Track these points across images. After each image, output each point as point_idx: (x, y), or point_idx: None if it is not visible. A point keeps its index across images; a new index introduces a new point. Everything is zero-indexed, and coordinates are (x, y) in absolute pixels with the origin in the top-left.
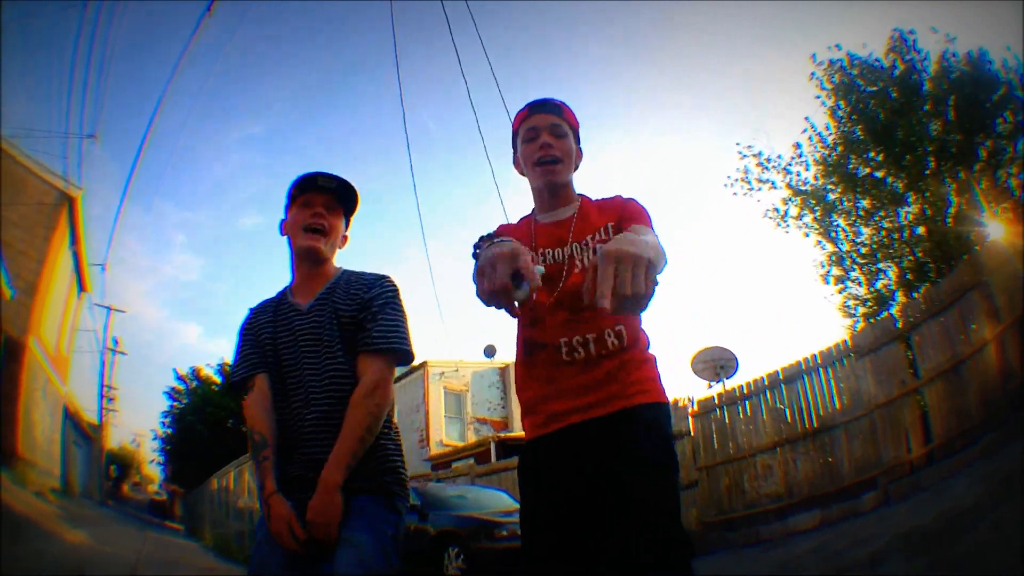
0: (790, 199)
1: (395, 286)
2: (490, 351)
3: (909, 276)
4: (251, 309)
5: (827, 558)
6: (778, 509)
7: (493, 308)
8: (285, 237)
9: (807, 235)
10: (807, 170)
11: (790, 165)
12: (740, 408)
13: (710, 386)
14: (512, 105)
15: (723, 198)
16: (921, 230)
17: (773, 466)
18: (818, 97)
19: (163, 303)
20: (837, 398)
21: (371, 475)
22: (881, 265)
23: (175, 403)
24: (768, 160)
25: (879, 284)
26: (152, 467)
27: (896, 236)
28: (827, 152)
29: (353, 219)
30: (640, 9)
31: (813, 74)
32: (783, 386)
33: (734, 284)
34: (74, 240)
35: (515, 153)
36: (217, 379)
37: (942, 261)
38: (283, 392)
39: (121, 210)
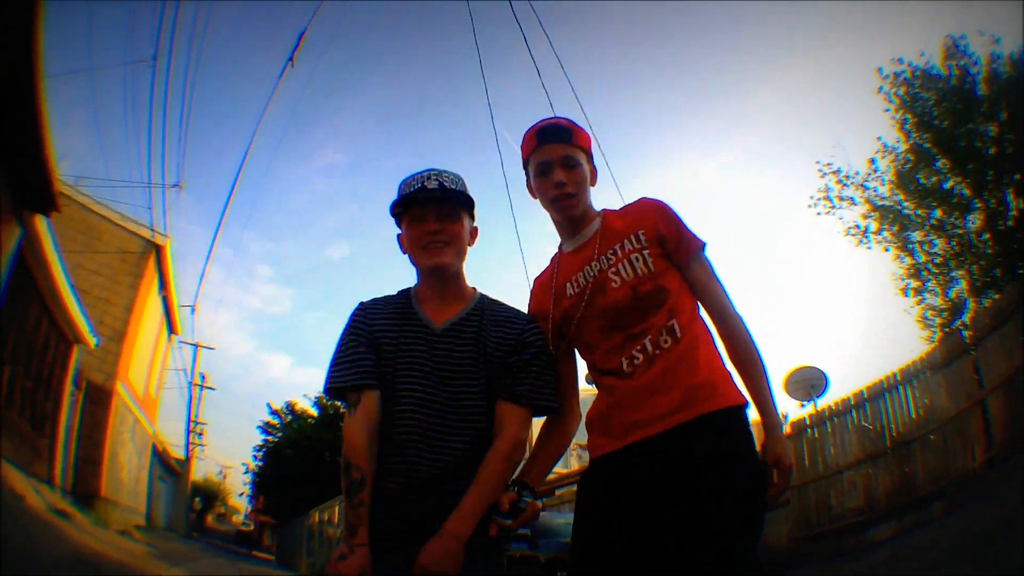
0: (869, 214)
1: (543, 331)
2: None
3: (978, 284)
4: (363, 303)
5: (892, 567)
6: (859, 522)
7: None
8: (407, 255)
9: (887, 249)
10: (883, 185)
11: (867, 181)
12: (829, 426)
13: (801, 405)
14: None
15: (803, 217)
16: (987, 236)
17: (857, 481)
18: (887, 111)
19: (251, 336)
20: (914, 413)
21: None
22: (954, 274)
23: (268, 437)
24: (847, 177)
25: (952, 293)
26: (239, 499)
27: (966, 244)
28: (899, 165)
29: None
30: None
31: (881, 88)
32: (867, 404)
33: (817, 301)
34: (163, 285)
35: (528, 179)
36: (313, 412)
37: (1009, 267)
38: (388, 419)
39: (210, 257)
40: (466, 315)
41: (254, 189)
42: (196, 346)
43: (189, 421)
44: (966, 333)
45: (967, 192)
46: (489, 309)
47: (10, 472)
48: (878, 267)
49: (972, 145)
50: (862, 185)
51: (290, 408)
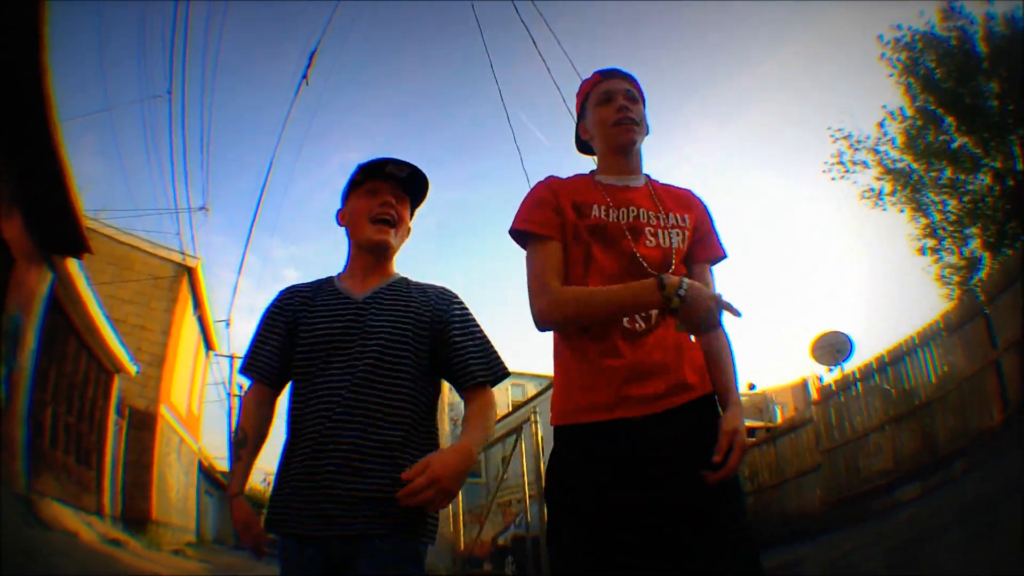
0: (882, 177)
1: (463, 302)
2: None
3: (991, 240)
4: (283, 290)
5: (915, 526)
6: (887, 484)
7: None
8: (343, 228)
9: (901, 211)
10: (893, 148)
11: (877, 145)
12: (854, 391)
13: (829, 370)
14: None
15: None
16: (997, 192)
17: (882, 443)
18: (890, 76)
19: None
20: (934, 374)
21: (405, 521)
22: (968, 232)
23: None
24: (858, 141)
25: (967, 251)
26: None
27: (977, 202)
28: (908, 127)
29: (418, 211)
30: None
31: (883, 54)
32: (888, 368)
33: (837, 265)
34: (197, 305)
35: (581, 120)
36: None
37: (1021, 222)
38: (307, 394)
39: (241, 272)
40: (388, 285)
41: (277, 197)
42: (232, 357)
43: (230, 433)
44: (979, 292)
45: (975, 150)
46: (413, 285)
47: (60, 510)
48: (895, 229)
49: (976, 103)
50: (873, 149)
51: None
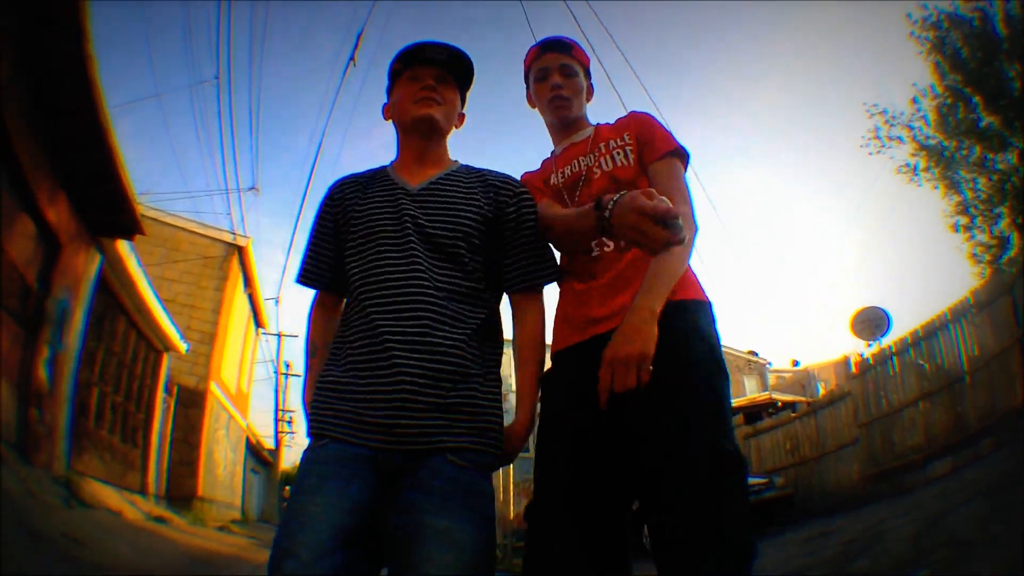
0: (916, 153)
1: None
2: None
3: (1019, 220)
4: (337, 180)
5: (943, 501)
6: (920, 459)
7: None
8: (390, 122)
9: (935, 187)
10: (927, 125)
11: (911, 121)
12: (890, 365)
13: (868, 345)
14: None
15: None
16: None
17: (916, 419)
18: (919, 53)
19: None
20: (964, 351)
21: (472, 430)
22: (998, 210)
23: None
24: (893, 117)
25: (998, 229)
26: None
27: (1004, 180)
28: (939, 104)
29: (469, 95)
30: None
31: (912, 32)
32: (922, 343)
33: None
34: (247, 284)
35: (527, 89)
36: None
37: None
38: (362, 289)
39: (290, 252)
40: (447, 174)
41: (325, 175)
42: (280, 336)
43: (277, 410)
44: (1005, 271)
45: (1001, 129)
46: (476, 172)
47: (102, 490)
48: (929, 205)
49: (1000, 83)
50: (907, 125)
51: None
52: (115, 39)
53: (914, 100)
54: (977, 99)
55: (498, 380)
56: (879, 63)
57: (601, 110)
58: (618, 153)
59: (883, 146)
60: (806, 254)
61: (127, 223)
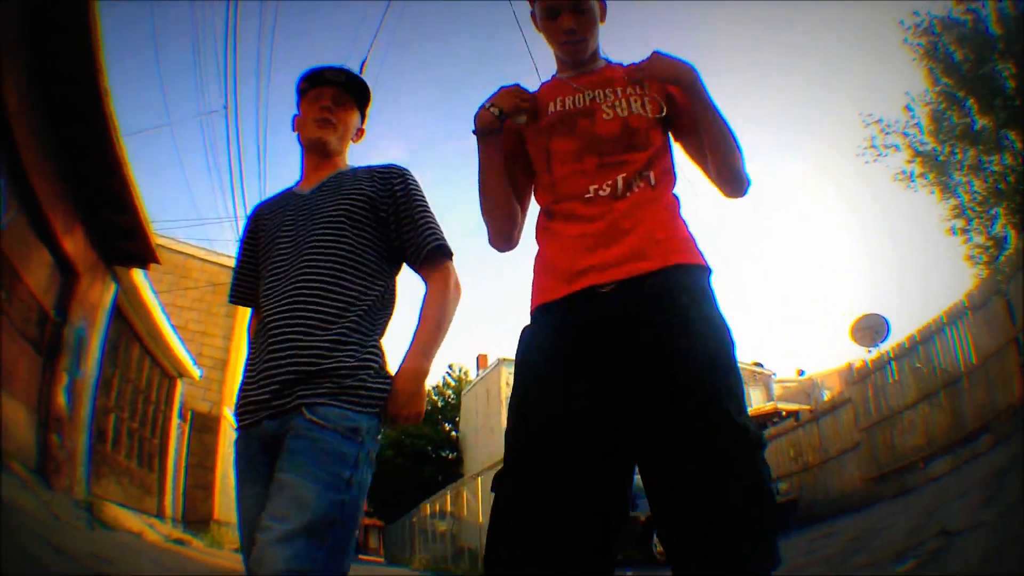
0: (912, 160)
1: (414, 177)
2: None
3: (1015, 220)
4: (255, 206)
5: (940, 497)
6: (921, 459)
7: (486, 131)
8: (296, 135)
9: (931, 192)
10: (920, 132)
11: (906, 129)
12: (888, 371)
13: (868, 351)
14: None
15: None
16: (1019, 170)
17: (916, 420)
18: (913, 60)
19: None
20: (961, 352)
21: (334, 390)
22: (994, 211)
23: None
24: (888, 126)
25: (995, 230)
26: None
27: (999, 181)
28: (933, 110)
29: (368, 112)
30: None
31: (905, 40)
32: (919, 347)
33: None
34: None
35: (532, 10)
36: None
37: None
38: (262, 290)
39: None
40: (337, 173)
41: None
42: None
43: None
44: (999, 271)
45: (997, 131)
46: (362, 168)
47: (122, 513)
48: (927, 210)
49: (994, 84)
50: (903, 133)
51: None
52: (126, 69)
53: (907, 107)
54: (971, 102)
55: (377, 346)
56: (873, 72)
57: None
58: (635, 101)
59: (879, 155)
60: (807, 264)
61: (142, 252)
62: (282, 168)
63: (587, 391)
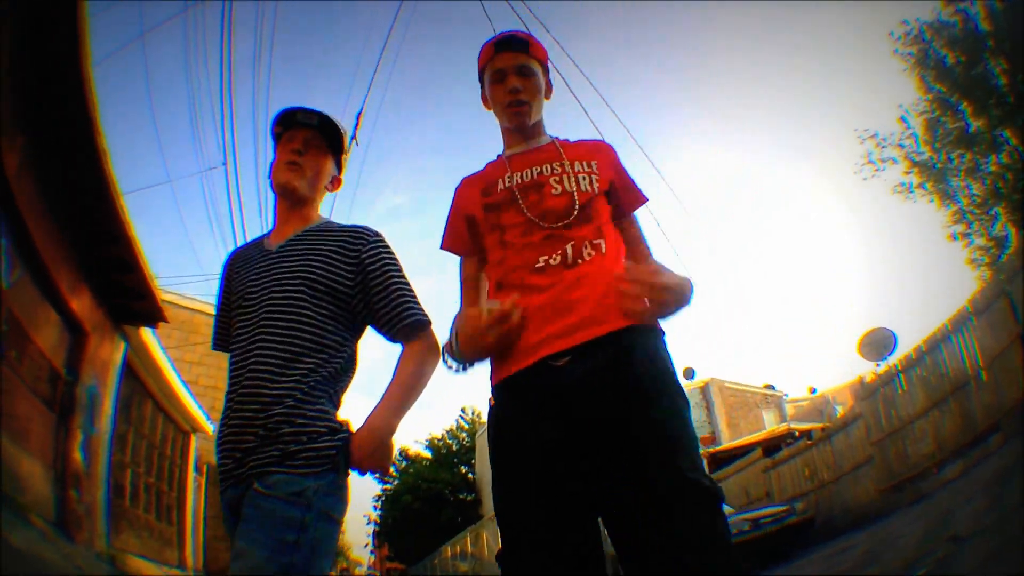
0: (910, 171)
1: (386, 241)
2: (689, 373)
3: (1015, 217)
4: (229, 254)
5: (951, 501)
6: (934, 465)
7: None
8: (269, 182)
9: (931, 201)
10: (916, 142)
11: (902, 140)
12: (897, 383)
13: (877, 365)
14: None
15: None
16: (1017, 168)
17: (927, 428)
18: (904, 69)
19: (349, 389)
20: (968, 357)
21: (288, 457)
22: (994, 211)
23: (386, 486)
24: (884, 139)
25: (996, 230)
26: (359, 551)
27: (997, 180)
28: (926, 117)
29: (346, 160)
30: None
31: (896, 50)
32: (926, 357)
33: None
34: None
35: (483, 90)
36: (427, 455)
37: None
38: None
39: None
40: (305, 231)
41: None
42: None
43: None
44: (1002, 268)
45: (992, 130)
46: (335, 226)
47: (143, 565)
48: (928, 220)
49: (987, 84)
50: (899, 144)
51: (404, 455)
52: (124, 129)
53: (902, 119)
54: (964, 105)
55: (326, 409)
56: (865, 88)
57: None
58: (583, 178)
59: (877, 169)
60: (813, 283)
61: (150, 312)
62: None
63: (557, 470)
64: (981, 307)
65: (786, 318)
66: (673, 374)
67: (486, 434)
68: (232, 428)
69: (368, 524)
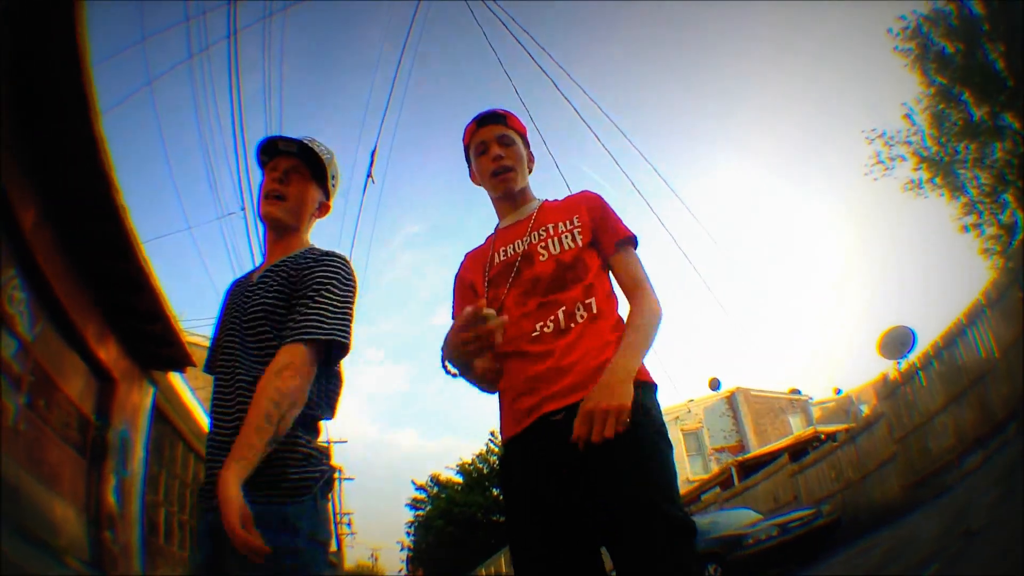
0: (919, 167)
1: (340, 265)
2: (715, 384)
3: (1022, 201)
4: (233, 280)
5: (968, 495)
6: (955, 458)
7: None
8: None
9: (941, 195)
10: (922, 137)
11: (909, 137)
12: (917, 381)
13: (897, 364)
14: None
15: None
16: (1021, 152)
17: (947, 423)
18: (905, 65)
19: (375, 419)
20: (983, 349)
21: (263, 486)
22: (1003, 198)
23: (418, 512)
24: (892, 138)
25: (1005, 217)
26: None
27: (1006, 166)
28: (931, 111)
29: (334, 187)
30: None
31: (896, 47)
32: (944, 352)
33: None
34: None
35: (469, 167)
36: (458, 480)
37: None
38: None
39: None
40: (281, 261)
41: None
42: (329, 442)
43: (334, 514)
44: (1015, 251)
45: (995, 116)
46: (309, 253)
47: None
48: (939, 215)
49: (987, 70)
50: (906, 141)
51: (435, 480)
52: (141, 179)
53: (908, 116)
54: (966, 95)
55: (296, 436)
56: (869, 88)
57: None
58: (566, 236)
59: (887, 168)
60: (830, 285)
61: (177, 357)
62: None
63: (558, 508)
64: (994, 299)
65: (807, 319)
66: (654, 421)
67: None
68: (213, 459)
69: (402, 551)
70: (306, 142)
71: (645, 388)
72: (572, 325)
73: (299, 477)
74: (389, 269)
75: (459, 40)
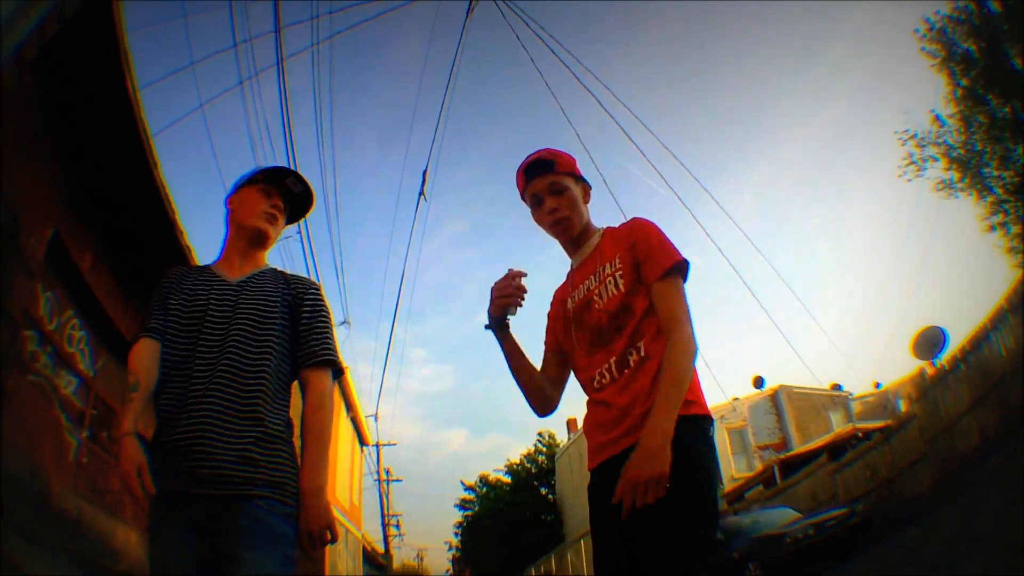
0: (949, 167)
1: (320, 292)
2: (758, 382)
3: None
4: (171, 270)
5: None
6: (979, 458)
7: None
8: (226, 211)
9: (970, 194)
10: (952, 137)
11: (939, 137)
12: (945, 383)
13: (930, 364)
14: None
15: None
16: None
17: (972, 423)
18: (932, 66)
19: (422, 418)
20: (1006, 351)
21: (272, 482)
22: None
23: (467, 512)
24: (923, 139)
25: None
26: None
27: None
28: (959, 111)
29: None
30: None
31: (923, 48)
32: (971, 355)
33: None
34: (349, 408)
35: (531, 210)
36: (507, 479)
37: None
38: (186, 360)
39: (385, 371)
40: (260, 272)
41: (400, 288)
42: (378, 446)
43: (383, 516)
44: None
45: (1014, 118)
46: (281, 273)
47: None
48: (965, 215)
49: (1008, 69)
50: (936, 142)
51: (483, 481)
52: (192, 197)
53: (936, 117)
54: (991, 96)
55: (292, 450)
56: (899, 90)
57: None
58: (611, 281)
59: (920, 169)
60: (869, 285)
61: None
62: (355, 269)
63: (616, 542)
64: (1016, 303)
65: (850, 318)
66: (699, 457)
67: (565, 455)
68: (207, 438)
69: (449, 551)
70: (309, 188)
71: (691, 426)
72: (625, 371)
73: (295, 484)
74: (436, 268)
75: (491, 34)
